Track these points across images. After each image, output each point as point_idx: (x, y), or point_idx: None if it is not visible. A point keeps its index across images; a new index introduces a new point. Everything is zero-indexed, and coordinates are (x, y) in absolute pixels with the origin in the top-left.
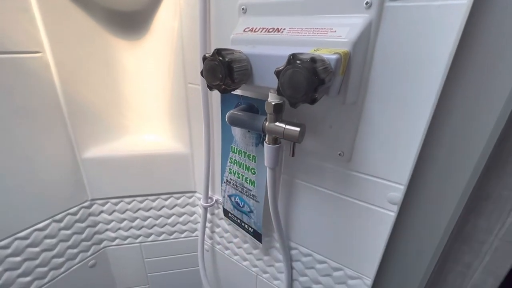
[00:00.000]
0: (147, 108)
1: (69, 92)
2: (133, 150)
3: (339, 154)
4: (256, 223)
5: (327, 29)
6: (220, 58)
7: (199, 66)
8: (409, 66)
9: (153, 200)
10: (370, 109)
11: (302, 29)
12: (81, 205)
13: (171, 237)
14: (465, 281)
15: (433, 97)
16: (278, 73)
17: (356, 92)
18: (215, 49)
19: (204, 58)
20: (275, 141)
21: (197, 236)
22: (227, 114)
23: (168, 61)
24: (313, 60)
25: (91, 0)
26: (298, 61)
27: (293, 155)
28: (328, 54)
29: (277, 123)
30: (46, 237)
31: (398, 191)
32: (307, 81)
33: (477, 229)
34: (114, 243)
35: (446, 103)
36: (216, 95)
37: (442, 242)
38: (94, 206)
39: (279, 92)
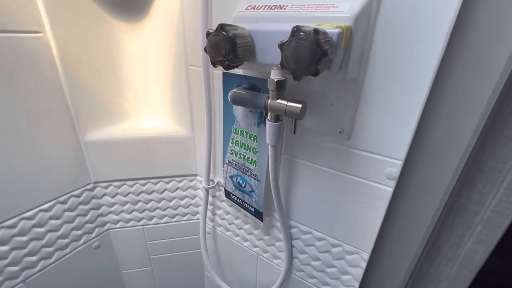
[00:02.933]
0: (148, 91)
1: (70, 73)
2: (134, 134)
3: (339, 132)
4: (257, 202)
5: (329, 4)
6: (224, 33)
7: (200, 47)
8: (409, 42)
9: (155, 183)
10: (370, 86)
11: (304, 5)
12: (84, 188)
13: (173, 220)
14: (458, 251)
15: (431, 73)
16: (282, 46)
17: (357, 68)
18: (219, 24)
19: (208, 34)
20: (277, 118)
21: (199, 219)
22: (230, 93)
23: (169, 43)
24: (316, 31)
25: None
26: (301, 33)
27: (294, 132)
28: (331, 28)
29: (279, 100)
30: (51, 218)
31: (396, 166)
32: (310, 52)
33: (470, 201)
34: (117, 225)
35: (443, 79)
36: (217, 76)
37: (436, 214)
38: (97, 189)
39: (282, 65)
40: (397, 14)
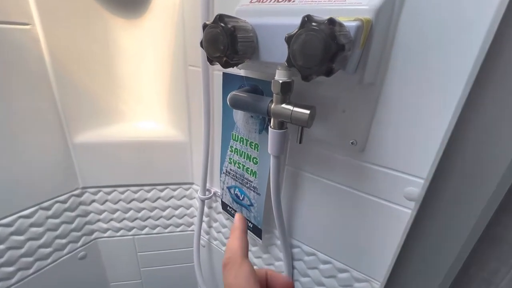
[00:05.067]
0: (144, 92)
1: (60, 70)
2: (128, 137)
3: (352, 143)
4: (256, 217)
5: None
6: (223, 24)
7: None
8: (439, 42)
9: (148, 191)
10: (390, 91)
11: None
12: (71, 193)
13: (166, 230)
14: None
15: (464, 80)
16: (289, 39)
17: (376, 70)
18: (217, 15)
19: (205, 26)
20: (281, 125)
21: (193, 231)
22: (229, 95)
23: (168, 42)
24: (332, 22)
25: None
26: (313, 23)
27: (300, 142)
28: (348, 21)
29: (284, 105)
30: (32, 225)
31: (416, 185)
32: (324, 46)
33: (509, 230)
34: (105, 234)
35: (482, 89)
36: (217, 78)
37: (467, 244)
38: (86, 195)
39: (289, 63)
40: (426, 7)
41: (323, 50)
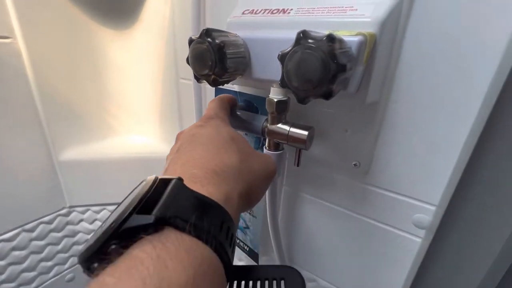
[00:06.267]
0: (134, 105)
1: (44, 85)
2: (118, 153)
3: (355, 165)
4: (252, 241)
5: (346, 7)
6: (210, 39)
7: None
8: (449, 56)
9: None
10: (395, 111)
11: (314, 8)
12: (57, 213)
13: None
14: None
15: (482, 97)
16: (282, 58)
17: (379, 89)
18: (203, 29)
19: (191, 41)
20: (277, 146)
21: None
22: None
23: (158, 54)
24: (331, 38)
25: None
26: (310, 40)
27: (298, 165)
28: (349, 36)
29: (280, 125)
30: (14, 248)
31: (427, 212)
32: (323, 66)
33: None
34: None
35: (502, 114)
36: (210, 91)
37: (488, 278)
38: (73, 214)
39: (283, 83)
40: (435, 20)
41: (321, 71)
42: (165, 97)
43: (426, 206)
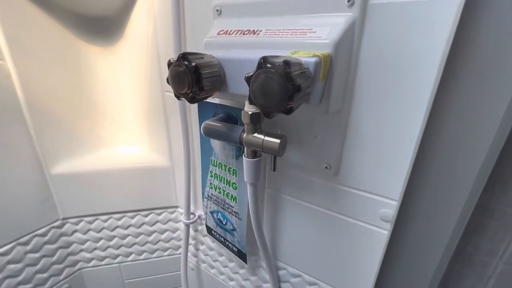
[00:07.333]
0: (123, 118)
1: (33, 102)
2: (108, 164)
3: (326, 167)
4: (240, 242)
5: (306, 30)
6: (186, 63)
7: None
8: (399, 68)
9: (132, 217)
10: (357, 117)
11: (280, 30)
12: (51, 225)
13: (153, 255)
14: None
15: (427, 101)
16: (248, 79)
17: (341, 100)
18: (180, 53)
19: (169, 64)
20: (254, 154)
21: (181, 254)
22: (202, 124)
23: (143, 68)
24: (287, 63)
25: (57, 5)
26: (269, 65)
27: (274, 170)
28: (307, 57)
29: (255, 134)
30: (9, 262)
31: (390, 207)
32: (280, 87)
33: (479, 251)
34: (90, 264)
35: (442, 108)
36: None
37: (441, 265)
38: (67, 226)
39: (250, 101)
40: (383, 39)
41: (280, 91)
42: (152, 109)
43: (389, 201)
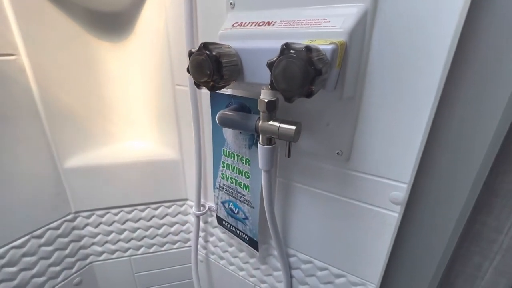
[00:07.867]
0: (133, 113)
1: (47, 97)
2: (119, 158)
3: (337, 153)
4: (251, 230)
5: (321, 20)
6: (207, 52)
7: (186, 67)
8: (408, 57)
9: (142, 210)
10: (369, 104)
11: (294, 21)
12: (63, 219)
13: (163, 248)
14: (476, 283)
15: (435, 88)
16: (270, 65)
17: (354, 86)
18: (201, 43)
19: (190, 53)
20: (269, 141)
21: (190, 247)
22: (218, 114)
23: (154, 63)
24: (308, 49)
25: (70, 1)
26: (292, 51)
27: (289, 156)
28: (324, 45)
29: (271, 122)
30: (24, 255)
31: (401, 190)
32: (303, 72)
33: (486, 228)
34: (101, 257)
35: (451, 94)
36: (205, 96)
37: (450, 243)
38: (78, 219)
39: (272, 86)
40: (394, 28)
41: (302, 75)
42: (162, 103)
43: (400, 184)
